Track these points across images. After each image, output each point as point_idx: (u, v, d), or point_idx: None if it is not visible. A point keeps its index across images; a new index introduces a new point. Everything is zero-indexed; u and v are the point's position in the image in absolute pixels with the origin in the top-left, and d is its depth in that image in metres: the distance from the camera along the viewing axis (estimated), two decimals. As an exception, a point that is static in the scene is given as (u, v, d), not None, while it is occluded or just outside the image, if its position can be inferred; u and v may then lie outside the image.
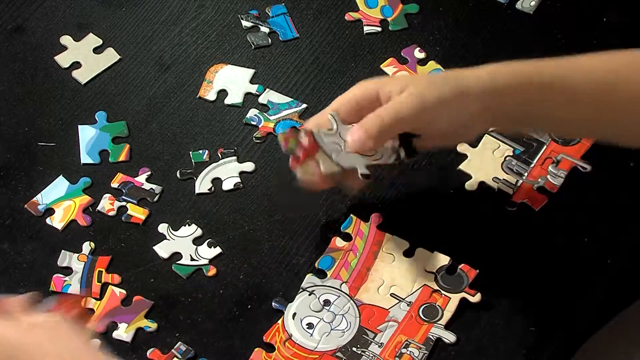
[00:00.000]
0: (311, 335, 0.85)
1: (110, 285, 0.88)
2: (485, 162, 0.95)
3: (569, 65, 0.83)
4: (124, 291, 0.87)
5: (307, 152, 0.82)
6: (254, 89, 1.01)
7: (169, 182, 0.95)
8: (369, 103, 0.82)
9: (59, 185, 0.94)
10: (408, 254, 0.89)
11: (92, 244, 0.90)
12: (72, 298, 0.84)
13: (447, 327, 0.85)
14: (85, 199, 0.93)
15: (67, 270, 0.89)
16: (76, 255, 0.89)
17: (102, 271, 0.89)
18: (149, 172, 0.95)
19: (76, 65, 1.02)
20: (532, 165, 0.95)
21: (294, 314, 0.86)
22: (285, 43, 1.05)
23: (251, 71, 1.02)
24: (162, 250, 0.90)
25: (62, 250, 0.90)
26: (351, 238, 0.90)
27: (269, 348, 0.84)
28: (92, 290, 0.87)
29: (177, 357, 0.84)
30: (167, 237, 0.91)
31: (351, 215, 0.92)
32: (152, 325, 0.86)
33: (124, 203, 0.93)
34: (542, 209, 0.92)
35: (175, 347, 0.84)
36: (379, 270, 0.88)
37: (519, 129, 0.92)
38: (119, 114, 0.99)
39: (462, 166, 0.95)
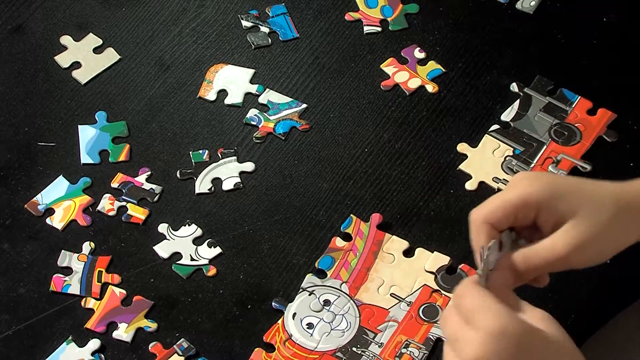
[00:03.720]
0: (311, 335, 0.85)
1: (110, 285, 0.88)
2: (485, 162, 0.95)
3: None
4: (124, 291, 0.87)
5: None
6: (254, 89, 1.01)
7: (169, 182, 0.95)
8: (524, 215, 0.68)
9: (59, 185, 0.94)
10: (408, 254, 0.89)
11: (92, 244, 0.90)
12: None
13: (447, 327, 0.85)
14: (85, 199, 0.93)
15: (67, 270, 0.89)
16: (76, 255, 0.90)
17: (102, 271, 0.89)
18: (149, 172, 0.95)
19: (76, 65, 1.02)
20: (532, 165, 0.95)
21: (294, 314, 0.86)
22: (285, 43, 1.05)
23: (251, 71, 1.02)
24: (162, 250, 0.90)
25: (62, 251, 0.90)
26: (351, 238, 0.90)
27: (269, 348, 0.84)
28: (92, 290, 0.87)
29: (178, 354, 0.84)
30: (167, 237, 0.91)
31: (351, 215, 0.92)
32: (152, 325, 0.86)
33: (124, 203, 0.93)
34: (542, 209, 0.92)
35: (177, 343, 0.84)
36: (379, 270, 0.88)
37: None
38: (119, 114, 0.99)
39: (462, 166, 0.95)
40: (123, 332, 0.85)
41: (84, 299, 0.87)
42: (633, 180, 0.70)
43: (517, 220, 0.68)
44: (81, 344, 0.84)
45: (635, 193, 0.69)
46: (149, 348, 0.84)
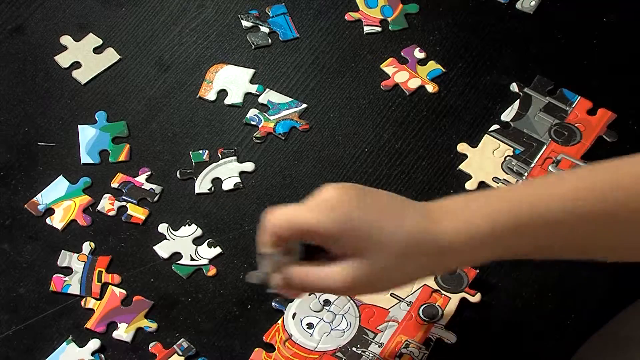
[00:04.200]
0: (311, 335, 0.85)
1: (110, 285, 0.88)
2: (485, 162, 0.95)
3: (562, 192, 0.67)
4: (124, 291, 0.87)
5: None
6: (254, 89, 1.01)
7: (169, 182, 0.95)
8: (311, 238, 0.68)
9: (59, 185, 0.94)
10: (408, 254, 0.89)
11: (92, 244, 0.90)
12: None
13: (447, 327, 0.85)
14: (85, 199, 0.93)
15: (67, 270, 0.89)
16: (76, 255, 0.89)
17: (102, 271, 0.89)
18: (149, 172, 0.95)
19: (76, 65, 1.02)
20: (532, 165, 0.95)
21: (294, 314, 0.86)
22: (285, 43, 1.05)
23: (251, 71, 1.02)
24: (162, 250, 0.90)
25: (62, 250, 0.90)
26: (351, 238, 0.90)
27: (269, 348, 0.84)
28: (92, 290, 0.87)
29: (178, 354, 0.84)
30: (167, 237, 0.91)
31: (351, 215, 0.92)
32: (152, 325, 0.86)
33: (124, 203, 0.93)
34: (542, 209, 0.92)
35: (177, 343, 0.84)
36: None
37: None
38: (119, 114, 0.99)
39: (462, 166, 0.95)
40: (123, 332, 0.85)
41: (84, 299, 0.87)
42: (443, 215, 0.67)
43: (305, 238, 0.68)
44: (81, 344, 0.84)
45: (433, 232, 0.66)
46: (149, 348, 0.84)
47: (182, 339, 0.85)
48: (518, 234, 0.66)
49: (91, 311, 0.86)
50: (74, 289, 0.88)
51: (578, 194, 0.66)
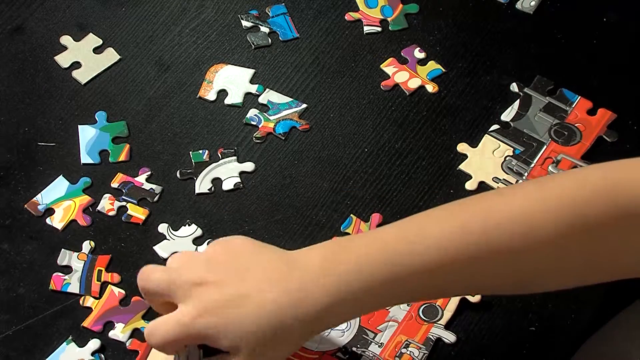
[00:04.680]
0: (311, 335, 0.85)
1: (109, 285, 0.88)
2: (485, 162, 0.95)
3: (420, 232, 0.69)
4: (122, 291, 0.87)
5: None
6: (254, 89, 1.01)
7: (169, 182, 0.95)
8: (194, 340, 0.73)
9: (59, 185, 0.94)
10: (408, 254, 0.89)
11: (92, 243, 0.90)
12: None
13: (447, 327, 0.85)
14: (85, 199, 0.93)
15: (67, 269, 0.89)
16: (76, 254, 0.90)
17: (102, 270, 0.89)
18: (149, 172, 0.95)
19: (76, 65, 1.02)
20: (532, 165, 0.95)
21: (294, 314, 0.86)
22: (285, 43, 1.05)
23: (251, 71, 1.02)
24: (162, 250, 0.90)
25: (62, 249, 0.90)
26: (351, 238, 0.90)
27: (269, 348, 0.84)
28: (91, 289, 0.87)
29: None
30: (167, 237, 0.91)
31: (351, 215, 0.92)
32: None
33: (124, 203, 0.93)
34: (542, 209, 0.92)
35: None
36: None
37: None
38: (119, 114, 0.99)
39: (462, 166, 0.95)
40: (119, 332, 0.85)
41: (82, 297, 0.87)
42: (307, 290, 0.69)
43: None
44: (81, 344, 0.84)
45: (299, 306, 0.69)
46: (127, 346, 0.84)
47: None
48: (394, 285, 0.68)
49: (89, 309, 0.86)
50: (74, 287, 0.88)
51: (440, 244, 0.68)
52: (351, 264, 0.69)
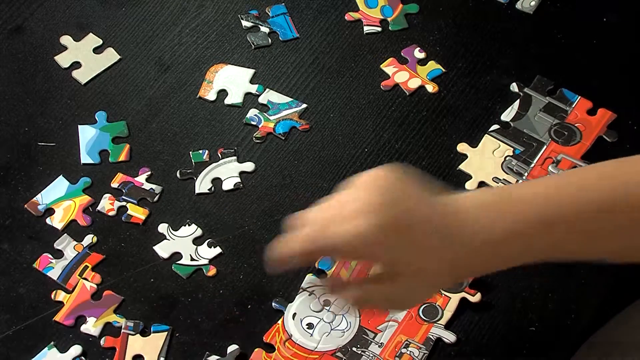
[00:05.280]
0: (311, 335, 0.85)
1: (81, 279, 0.87)
2: (485, 162, 0.95)
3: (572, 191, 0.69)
4: (94, 285, 0.87)
5: None
6: (254, 89, 1.01)
7: (169, 182, 0.95)
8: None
9: (59, 185, 0.94)
10: (408, 254, 0.89)
11: (95, 238, 0.90)
12: None
13: (447, 327, 0.85)
14: (85, 199, 0.93)
15: (58, 253, 0.89)
16: (75, 243, 0.89)
17: (88, 267, 0.88)
18: (149, 172, 0.95)
19: (76, 65, 1.02)
20: (532, 165, 0.95)
21: (294, 314, 0.86)
22: (285, 43, 1.05)
23: (251, 71, 1.02)
24: (162, 250, 0.90)
25: (65, 234, 0.89)
26: (351, 238, 0.90)
27: (269, 348, 0.84)
28: (68, 282, 0.87)
29: (130, 333, 0.84)
30: (167, 237, 0.91)
31: (351, 215, 0.92)
32: (120, 321, 0.85)
33: (124, 203, 0.93)
34: (542, 209, 0.92)
35: (123, 326, 0.85)
36: (379, 270, 0.88)
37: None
38: (119, 114, 0.99)
39: (462, 166, 0.95)
40: (91, 327, 0.85)
41: (53, 292, 0.87)
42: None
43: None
44: (63, 349, 0.84)
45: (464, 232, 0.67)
46: (102, 344, 0.84)
47: (125, 320, 0.85)
48: (546, 231, 0.66)
49: (60, 304, 0.86)
50: (54, 274, 0.88)
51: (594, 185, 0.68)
52: (519, 206, 0.67)
